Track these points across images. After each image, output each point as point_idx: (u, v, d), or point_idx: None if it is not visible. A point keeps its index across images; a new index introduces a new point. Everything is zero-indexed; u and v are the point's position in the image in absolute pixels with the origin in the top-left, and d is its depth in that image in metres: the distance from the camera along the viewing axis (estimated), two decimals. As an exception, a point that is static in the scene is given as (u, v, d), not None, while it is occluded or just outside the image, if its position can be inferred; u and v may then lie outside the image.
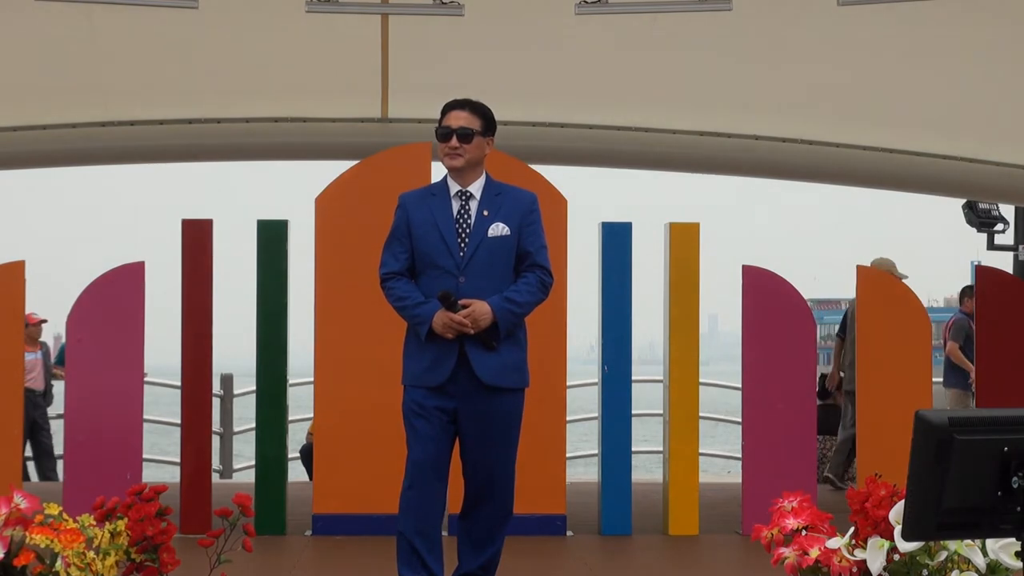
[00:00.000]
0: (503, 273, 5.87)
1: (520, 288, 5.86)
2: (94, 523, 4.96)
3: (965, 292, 13.02)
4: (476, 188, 5.93)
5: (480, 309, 5.76)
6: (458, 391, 5.83)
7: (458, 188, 5.94)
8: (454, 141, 5.88)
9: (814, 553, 4.75)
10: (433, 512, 5.84)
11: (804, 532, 4.84)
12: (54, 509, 4.91)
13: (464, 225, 5.88)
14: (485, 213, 5.89)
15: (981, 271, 9.86)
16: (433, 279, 5.86)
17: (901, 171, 11.50)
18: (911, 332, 9.01)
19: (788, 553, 4.80)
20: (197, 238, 8.67)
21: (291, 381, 8.93)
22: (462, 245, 5.86)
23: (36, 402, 13.57)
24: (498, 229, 5.87)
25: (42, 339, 14.28)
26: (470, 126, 5.90)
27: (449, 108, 5.97)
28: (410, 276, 5.94)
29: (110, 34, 9.65)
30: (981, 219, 21.45)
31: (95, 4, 8.78)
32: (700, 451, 9.07)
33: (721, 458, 16.07)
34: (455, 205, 5.92)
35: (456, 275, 5.83)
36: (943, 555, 4.60)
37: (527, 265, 5.91)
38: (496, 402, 5.86)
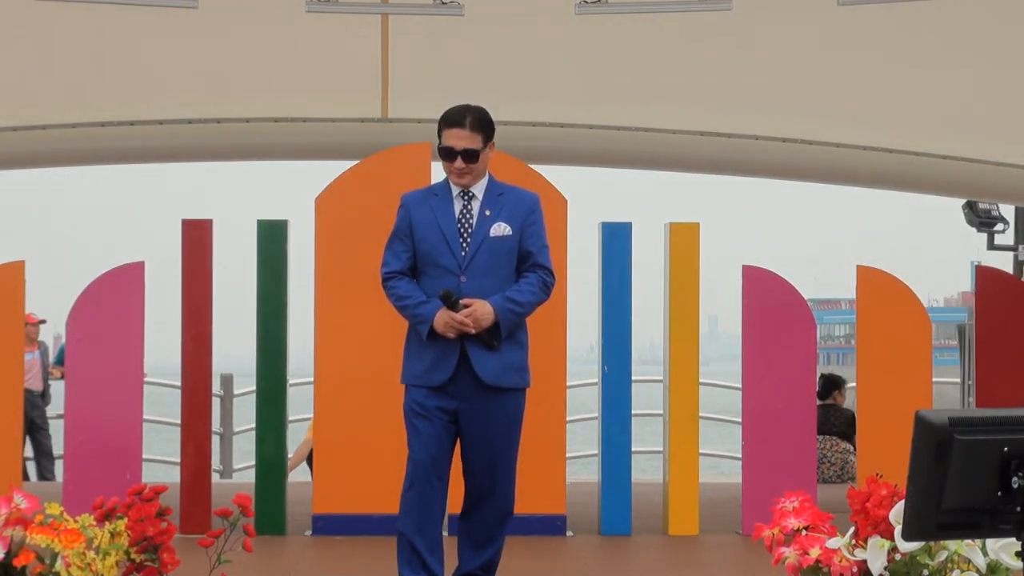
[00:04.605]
0: (505, 273, 5.88)
1: (522, 288, 5.86)
2: (94, 523, 4.96)
3: None
4: (479, 188, 5.94)
5: (482, 309, 5.77)
6: (459, 391, 5.83)
7: (460, 188, 5.94)
8: (459, 163, 5.87)
9: (815, 553, 4.75)
10: (434, 512, 5.84)
11: (805, 532, 4.85)
12: (56, 509, 4.91)
13: (466, 225, 5.89)
14: (487, 213, 5.90)
15: (981, 271, 9.85)
16: (435, 279, 5.86)
17: (901, 171, 11.50)
18: (911, 332, 9.01)
19: (789, 553, 4.80)
20: (197, 238, 8.66)
21: (291, 381, 8.93)
22: (464, 245, 5.86)
23: (34, 402, 13.58)
24: (500, 229, 5.88)
25: (40, 339, 14.29)
26: (473, 146, 5.86)
27: (448, 125, 5.90)
28: (412, 275, 5.94)
29: (110, 34, 9.65)
30: (981, 219, 21.47)
31: (95, 4, 8.78)
32: (700, 451, 9.06)
33: (721, 458, 16.06)
34: (457, 205, 5.93)
35: (458, 275, 5.84)
36: (943, 555, 4.61)
37: (529, 265, 5.91)
38: (497, 402, 5.87)
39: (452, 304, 5.76)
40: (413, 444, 5.86)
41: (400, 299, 5.91)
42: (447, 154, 5.89)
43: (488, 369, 5.83)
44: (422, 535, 5.80)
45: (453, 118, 5.90)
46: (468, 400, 5.84)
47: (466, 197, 5.93)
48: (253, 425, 9.12)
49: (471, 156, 5.86)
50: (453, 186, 5.95)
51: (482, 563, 5.99)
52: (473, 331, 5.77)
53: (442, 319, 5.77)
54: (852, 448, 11.30)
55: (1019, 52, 9.88)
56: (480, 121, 5.90)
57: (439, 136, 5.95)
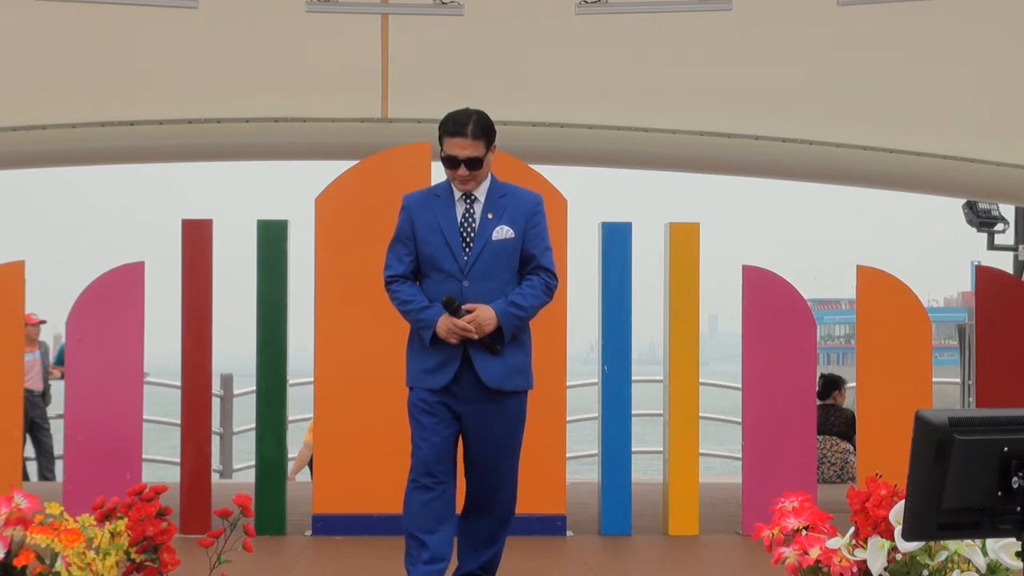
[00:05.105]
0: (508, 276, 5.87)
1: (524, 292, 5.85)
2: (94, 523, 4.96)
3: None
4: (480, 191, 5.92)
5: (484, 314, 5.75)
6: (462, 393, 5.83)
7: (463, 192, 5.92)
8: (463, 171, 5.84)
9: (814, 553, 4.75)
10: (440, 509, 5.79)
11: (805, 532, 4.85)
12: (55, 508, 4.91)
13: (468, 229, 5.87)
14: (489, 216, 5.88)
15: (981, 271, 9.85)
16: (437, 283, 5.85)
17: (901, 171, 11.50)
18: (911, 332, 9.01)
19: (789, 553, 4.81)
20: (197, 238, 8.66)
21: (291, 381, 8.93)
22: (466, 249, 5.84)
23: (35, 402, 13.57)
24: (502, 232, 5.86)
25: (41, 339, 14.29)
26: (476, 154, 5.83)
27: (449, 134, 5.85)
28: (414, 279, 5.94)
29: (110, 34, 9.66)
30: (981, 219, 21.50)
31: (95, 4, 8.78)
32: (700, 451, 9.06)
33: (721, 458, 16.07)
34: (460, 208, 5.91)
35: (460, 279, 5.82)
36: (943, 555, 4.61)
37: (531, 268, 5.90)
38: (500, 405, 5.86)
39: (455, 310, 5.74)
40: (418, 441, 5.84)
41: (403, 303, 5.90)
42: (450, 162, 5.86)
43: (491, 373, 5.81)
44: (430, 532, 5.76)
45: (454, 127, 5.85)
46: (471, 403, 5.83)
47: (468, 200, 5.91)
48: (253, 425, 9.12)
49: (475, 164, 5.84)
50: (455, 189, 5.94)
51: (482, 564, 5.98)
52: (476, 337, 5.76)
53: (445, 325, 5.75)
54: (852, 448, 11.30)
55: (1019, 52, 9.88)
56: (482, 127, 5.86)
57: (440, 143, 5.91)
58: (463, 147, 5.82)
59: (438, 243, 5.86)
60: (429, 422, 5.83)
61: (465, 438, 5.92)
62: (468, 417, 5.86)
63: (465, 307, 5.76)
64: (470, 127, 5.83)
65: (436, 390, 5.82)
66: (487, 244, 5.85)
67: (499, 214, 5.89)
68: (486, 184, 5.94)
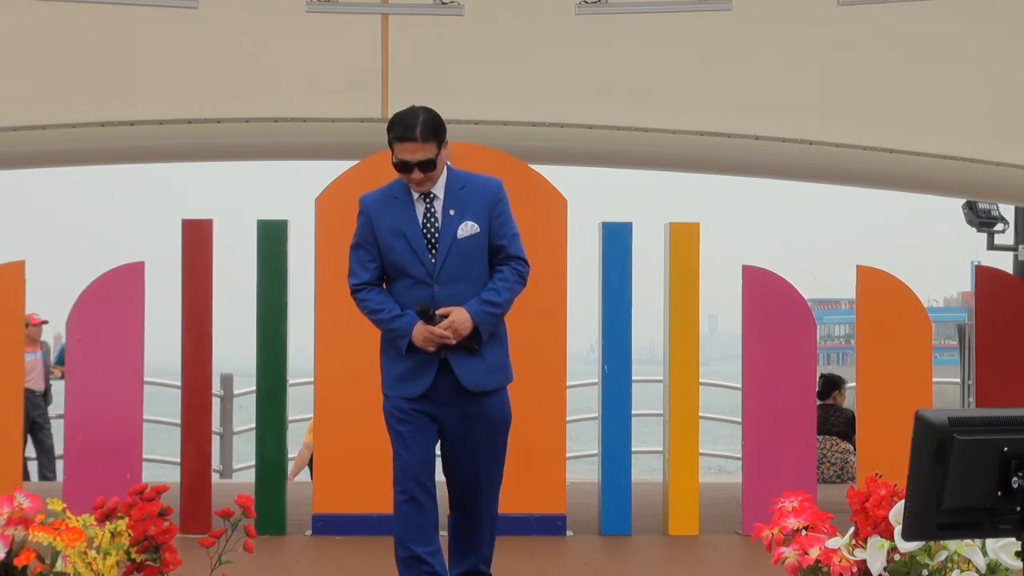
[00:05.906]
0: (478, 272, 5.73)
1: (497, 286, 5.71)
2: (95, 523, 4.97)
3: None
4: (439, 188, 5.76)
5: (460, 318, 5.62)
6: (440, 397, 5.71)
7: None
8: (417, 174, 5.70)
9: (814, 553, 4.75)
10: (430, 518, 5.76)
11: (804, 532, 4.85)
12: (57, 505, 4.92)
13: (431, 229, 5.72)
14: (451, 213, 5.72)
15: (981, 271, 9.86)
16: (406, 288, 5.72)
17: (901, 171, 11.50)
18: (911, 332, 9.01)
19: (788, 553, 4.81)
20: (197, 238, 8.67)
21: (291, 381, 8.93)
22: (432, 252, 5.70)
23: (36, 402, 13.58)
24: (467, 228, 5.71)
25: (43, 339, 14.30)
26: (428, 156, 5.67)
27: (399, 139, 5.70)
28: (381, 284, 5.80)
29: (110, 34, 9.66)
30: (981, 219, 21.50)
31: (95, 4, 8.79)
32: (700, 451, 9.06)
33: (721, 458, 16.08)
34: (420, 208, 5.76)
35: (430, 284, 5.69)
36: (943, 555, 4.61)
37: (501, 258, 5.75)
38: (482, 405, 5.76)
39: (429, 318, 5.61)
40: (399, 449, 5.75)
41: (373, 312, 5.74)
42: (403, 167, 5.70)
43: (472, 377, 5.69)
44: (426, 545, 5.73)
45: (402, 132, 5.70)
46: (451, 406, 5.72)
47: (427, 199, 5.75)
48: (253, 425, 9.12)
49: (427, 166, 5.68)
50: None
51: (480, 564, 5.96)
52: (454, 342, 5.64)
53: (421, 334, 5.62)
54: (852, 448, 11.30)
55: (1020, 52, 9.89)
56: (431, 128, 5.69)
57: (390, 147, 5.74)
58: (414, 151, 5.67)
59: (402, 248, 5.70)
60: (408, 431, 5.73)
61: (446, 440, 5.81)
62: (448, 421, 5.75)
63: (439, 312, 5.64)
64: (418, 129, 5.67)
65: (413, 398, 5.73)
66: (453, 243, 5.69)
67: (461, 209, 5.72)
68: (443, 179, 5.77)
